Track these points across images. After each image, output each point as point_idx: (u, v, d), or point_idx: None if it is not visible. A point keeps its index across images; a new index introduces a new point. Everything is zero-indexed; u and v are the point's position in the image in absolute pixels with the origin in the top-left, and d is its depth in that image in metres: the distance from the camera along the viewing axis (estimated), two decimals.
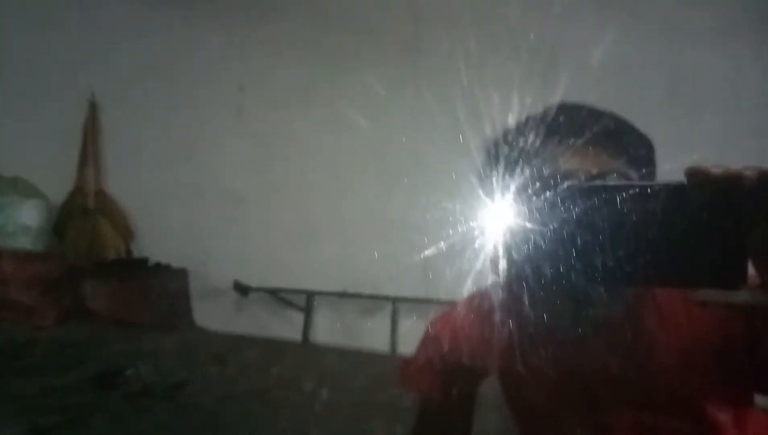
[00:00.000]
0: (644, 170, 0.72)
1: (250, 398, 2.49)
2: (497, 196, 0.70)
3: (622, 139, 0.71)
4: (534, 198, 0.49)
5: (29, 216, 3.49)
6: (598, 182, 0.51)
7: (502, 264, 0.54)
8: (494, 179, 0.74)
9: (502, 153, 0.73)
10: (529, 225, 0.49)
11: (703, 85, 2.64)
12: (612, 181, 0.59)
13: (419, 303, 3.10)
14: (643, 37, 2.68)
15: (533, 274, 0.50)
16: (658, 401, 0.77)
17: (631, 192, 0.42)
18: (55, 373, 2.69)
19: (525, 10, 2.70)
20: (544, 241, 0.47)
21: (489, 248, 0.67)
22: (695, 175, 0.41)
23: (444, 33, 2.84)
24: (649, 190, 0.42)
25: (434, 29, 3.00)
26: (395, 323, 3.25)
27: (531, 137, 0.70)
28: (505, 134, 0.76)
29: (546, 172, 0.68)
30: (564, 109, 0.72)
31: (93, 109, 3.73)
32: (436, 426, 0.96)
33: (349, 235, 3.13)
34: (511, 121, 0.77)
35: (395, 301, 3.24)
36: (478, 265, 0.71)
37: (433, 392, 0.93)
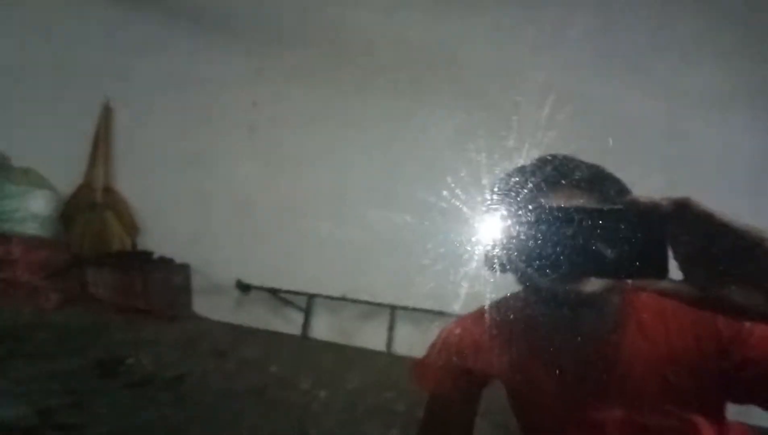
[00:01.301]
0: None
1: (247, 396, 2.55)
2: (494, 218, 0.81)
3: (596, 182, 0.89)
4: (522, 219, 0.67)
5: (39, 205, 3.59)
6: (565, 205, 0.68)
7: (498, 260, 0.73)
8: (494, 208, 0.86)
9: (502, 190, 0.91)
10: (515, 236, 0.68)
11: (698, 145, 2.78)
12: (574, 205, 0.76)
13: (417, 312, 3.19)
14: (643, 95, 2.81)
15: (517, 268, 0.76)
16: (643, 403, 0.90)
17: (585, 212, 0.61)
18: (59, 358, 2.76)
19: (534, 55, 2.89)
20: (526, 246, 0.66)
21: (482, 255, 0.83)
22: (630, 201, 0.59)
23: (448, 75, 3.09)
24: (599, 211, 0.61)
25: (440, 71, 3.16)
26: (392, 329, 3.33)
27: (524, 181, 0.89)
28: (504, 177, 0.93)
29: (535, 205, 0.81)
30: (551, 160, 0.92)
31: (107, 112, 3.83)
32: (443, 421, 1.06)
33: (350, 245, 3.24)
34: (511, 166, 0.94)
35: (393, 308, 3.32)
36: (474, 274, 0.85)
37: (444, 390, 1.05)
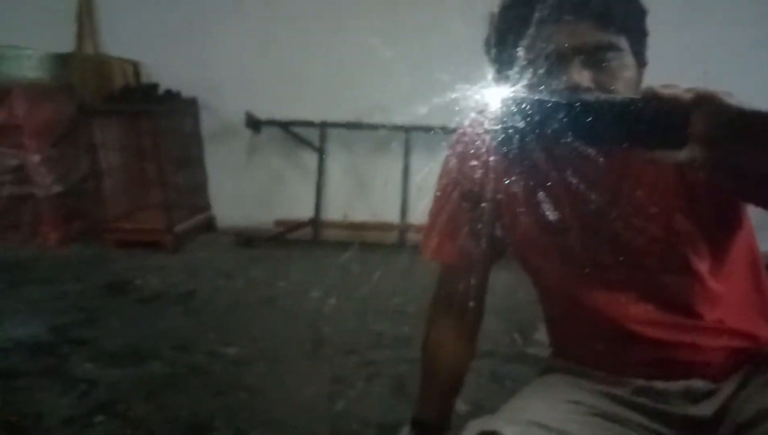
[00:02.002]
0: (635, 38, 0.81)
1: (257, 306, 2.57)
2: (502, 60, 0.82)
3: (612, 10, 0.77)
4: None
5: (32, 51, 3.24)
6: (587, 96, 0.68)
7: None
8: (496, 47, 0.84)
9: (501, 25, 0.82)
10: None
11: None
12: (595, 96, 0.73)
13: (433, 132, 2.95)
14: None
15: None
16: (648, 258, 0.86)
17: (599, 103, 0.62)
18: (67, 282, 2.78)
19: None
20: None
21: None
22: (650, 93, 0.57)
23: None
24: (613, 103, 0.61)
25: None
26: (408, 153, 3.26)
27: (525, 11, 0.77)
28: (503, 8, 0.83)
29: (539, 47, 0.77)
30: None
31: None
32: (455, 291, 1.02)
33: (360, 67, 3.12)
34: None
35: (408, 130, 3.21)
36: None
37: (454, 258, 0.99)
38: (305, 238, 3.40)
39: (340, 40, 3.22)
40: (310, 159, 3.47)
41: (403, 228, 3.31)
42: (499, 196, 0.92)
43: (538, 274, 1.00)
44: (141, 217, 3.39)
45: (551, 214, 0.88)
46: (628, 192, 0.85)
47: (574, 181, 0.83)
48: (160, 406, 1.81)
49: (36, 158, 3.20)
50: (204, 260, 3.15)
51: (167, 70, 3.51)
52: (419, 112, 2.88)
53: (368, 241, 3.28)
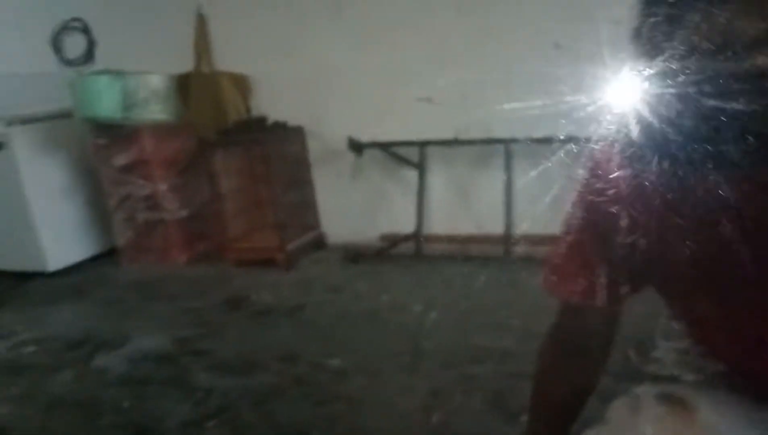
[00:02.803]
0: None
1: (361, 319, 2.62)
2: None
3: None
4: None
5: (156, 81, 3.63)
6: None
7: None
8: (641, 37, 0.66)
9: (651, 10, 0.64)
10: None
11: None
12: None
13: (532, 144, 2.81)
14: None
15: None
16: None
17: None
18: (190, 299, 3.02)
19: None
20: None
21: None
22: None
23: None
24: None
25: None
26: (510, 165, 3.21)
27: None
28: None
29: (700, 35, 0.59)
30: None
31: (202, 20, 3.94)
32: (578, 333, 0.92)
33: (457, 83, 2.99)
34: None
35: (508, 142, 3.17)
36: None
37: (581, 297, 0.86)
38: (410, 253, 3.42)
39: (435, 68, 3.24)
40: (412, 176, 3.50)
41: (508, 240, 3.23)
42: (644, 226, 0.76)
43: (689, 311, 0.86)
44: (256, 237, 3.60)
45: (712, 247, 0.70)
46: None
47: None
48: (265, 414, 1.90)
49: (164, 187, 3.55)
50: (314, 276, 3.27)
51: (275, 101, 3.75)
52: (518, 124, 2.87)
53: (472, 255, 3.23)
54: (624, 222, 0.75)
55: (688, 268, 0.74)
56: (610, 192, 0.75)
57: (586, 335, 0.91)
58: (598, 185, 0.78)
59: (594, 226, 0.81)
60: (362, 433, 1.74)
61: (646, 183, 0.67)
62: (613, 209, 0.75)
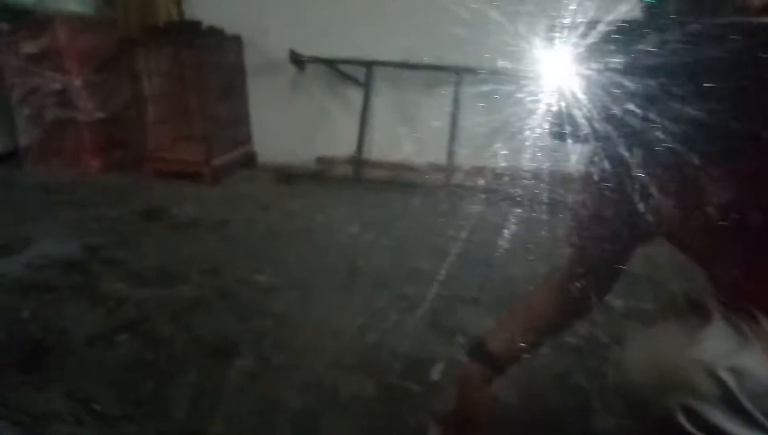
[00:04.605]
0: None
1: (292, 237, 2.47)
2: None
3: None
4: None
5: None
6: None
7: None
8: None
9: None
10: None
11: None
12: None
13: (485, 74, 2.83)
14: None
15: None
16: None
17: None
18: (104, 207, 2.76)
19: None
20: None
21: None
22: None
23: None
24: None
25: None
26: (458, 97, 3.03)
27: None
28: None
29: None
30: None
31: None
32: (574, 271, 1.01)
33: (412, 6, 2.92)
34: None
35: (459, 71, 2.98)
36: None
37: (578, 243, 0.99)
38: (347, 177, 3.27)
39: None
40: (356, 98, 3.30)
41: (449, 170, 3.13)
42: (648, 179, 0.81)
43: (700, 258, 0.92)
44: (180, 148, 3.33)
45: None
46: None
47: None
48: (184, 327, 1.74)
49: (78, 82, 3.17)
50: (242, 193, 3.07)
51: (211, 6, 3.39)
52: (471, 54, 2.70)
53: (413, 182, 3.12)
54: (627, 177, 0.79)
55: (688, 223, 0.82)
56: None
57: (578, 276, 0.99)
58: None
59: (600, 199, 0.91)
60: (291, 350, 1.62)
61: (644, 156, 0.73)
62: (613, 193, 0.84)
